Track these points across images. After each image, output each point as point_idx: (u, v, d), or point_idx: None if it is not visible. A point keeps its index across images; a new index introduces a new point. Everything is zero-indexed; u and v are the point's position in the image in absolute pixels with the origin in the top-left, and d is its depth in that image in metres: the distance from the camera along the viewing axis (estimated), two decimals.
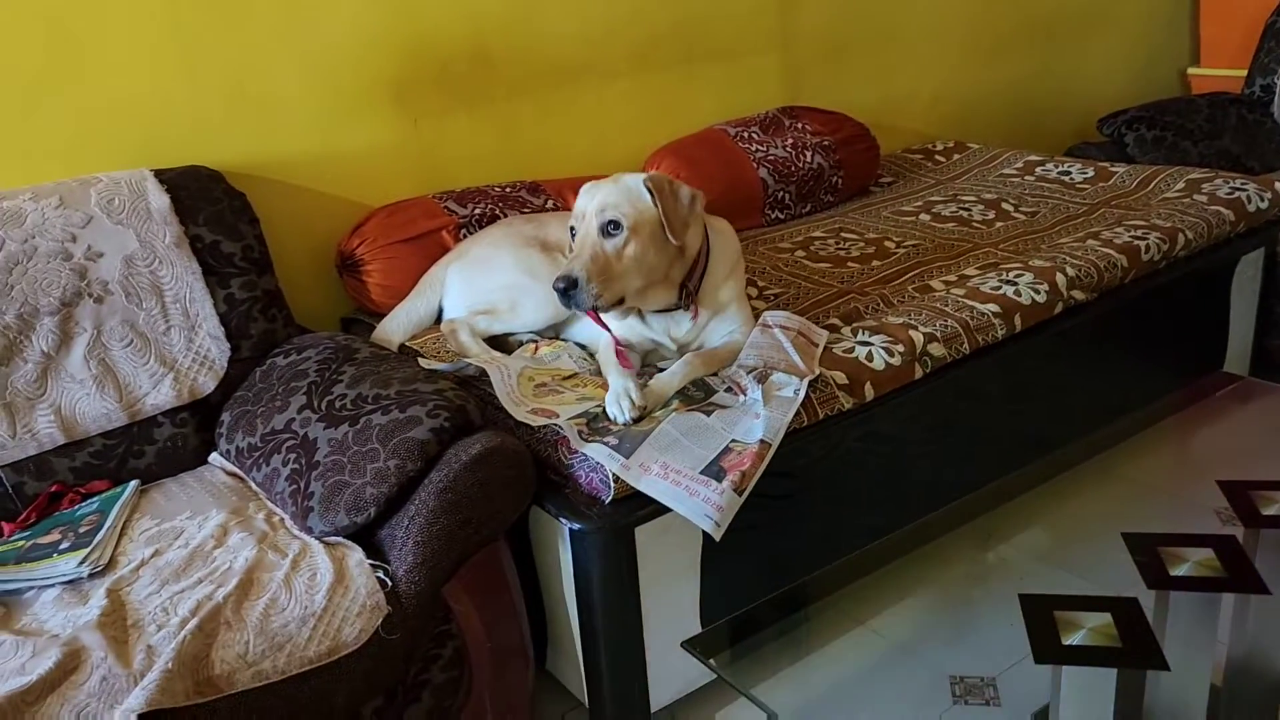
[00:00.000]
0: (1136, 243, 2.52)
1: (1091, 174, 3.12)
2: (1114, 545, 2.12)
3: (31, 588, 1.63)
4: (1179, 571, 1.46)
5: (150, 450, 2.00)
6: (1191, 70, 4.35)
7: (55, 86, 2.10)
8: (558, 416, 1.86)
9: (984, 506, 2.25)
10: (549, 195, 2.62)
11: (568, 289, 1.87)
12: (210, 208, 2.12)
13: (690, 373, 1.95)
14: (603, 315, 1.99)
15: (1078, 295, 2.35)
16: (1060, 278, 2.34)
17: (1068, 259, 2.42)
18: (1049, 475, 2.36)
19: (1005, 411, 2.33)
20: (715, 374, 1.99)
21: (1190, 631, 1.43)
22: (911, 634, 2.10)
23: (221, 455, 2.02)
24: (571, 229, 1.99)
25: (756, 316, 2.14)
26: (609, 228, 1.92)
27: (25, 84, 2.07)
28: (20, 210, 1.93)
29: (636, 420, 1.83)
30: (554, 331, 2.25)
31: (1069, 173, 3.16)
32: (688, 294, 2.03)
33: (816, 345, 2.06)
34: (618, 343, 2.00)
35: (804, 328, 2.10)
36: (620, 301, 1.96)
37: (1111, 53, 4.17)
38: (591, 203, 1.94)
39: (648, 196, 1.94)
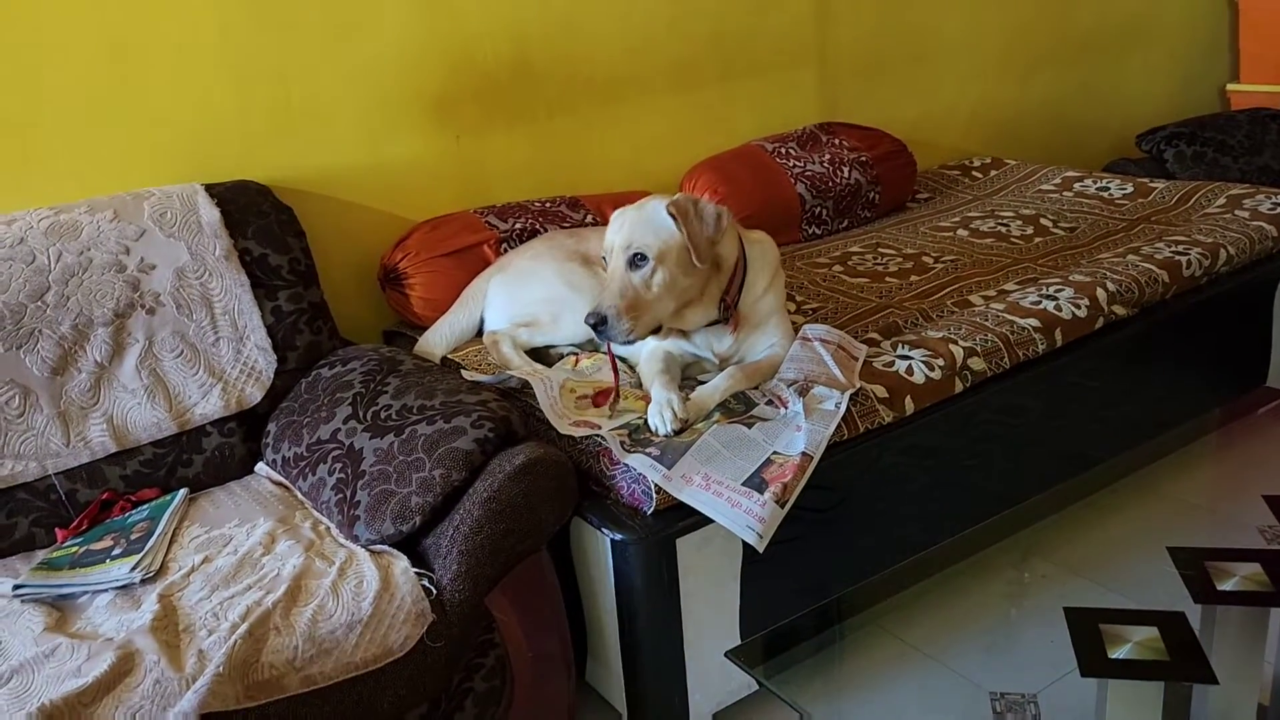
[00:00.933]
0: (1178, 258, 2.50)
1: (1131, 190, 3.11)
2: (1155, 561, 2.10)
3: (85, 592, 1.67)
4: (1226, 586, 1.45)
5: (198, 459, 2.04)
6: (1231, 86, 4.31)
7: (111, 102, 2.15)
8: (600, 428, 1.87)
9: (1024, 521, 2.24)
10: (589, 210, 2.65)
11: (598, 325, 1.89)
12: (259, 221, 2.16)
13: (732, 385, 1.96)
14: (643, 338, 1.98)
15: (1119, 310, 2.34)
16: (1101, 293, 2.33)
17: (1108, 274, 2.42)
18: (1090, 491, 2.34)
19: (1046, 426, 2.32)
20: (756, 387, 2.00)
21: (1238, 647, 1.42)
22: (951, 650, 2.08)
23: (267, 465, 2.06)
24: (604, 258, 2.00)
25: (796, 330, 2.15)
26: (635, 260, 1.92)
27: (83, 100, 2.12)
28: (77, 223, 1.98)
29: (678, 432, 1.85)
30: (595, 344, 2.27)
31: (1108, 188, 3.15)
32: (726, 307, 2.04)
33: (856, 359, 2.06)
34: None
35: (844, 341, 2.10)
36: (657, 329, 1.97)
37: (1150, 69, 4.15)
38: (618, 235, 1.95)
39: (671, 222, 1.93)
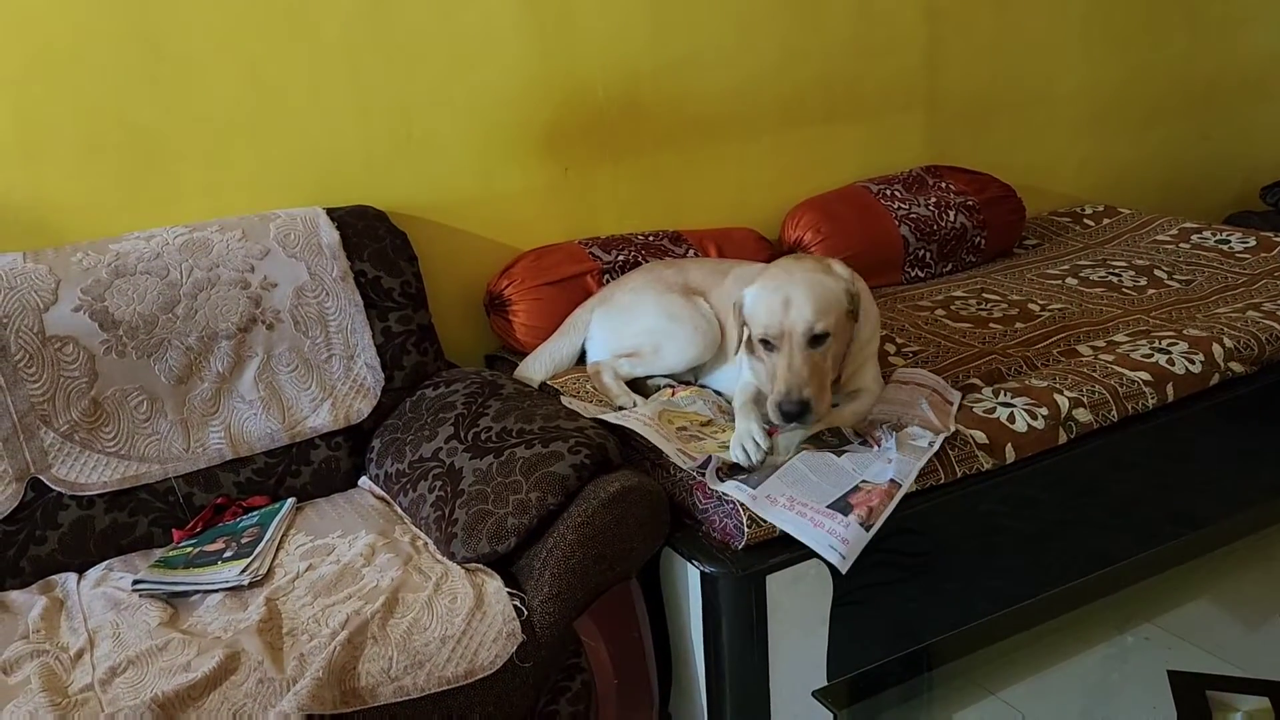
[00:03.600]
0: None
1: (1253, 243, 3.00)
2: (1267, 630, 2.01)
3: (198, 591, 1.75)
4: None
5: (306, 470, 2.12)
6: None
7: (246, 129, 2.27)
8: (701, 458, 1.89)
9: (1127, 580, 2.17)
10: (690, 244, 2.68)
11: (801, 413, 1.85)
12: (374, 245, 2.24)
13: (816, 426, 1.94)
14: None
15: (1236, 368, 2.26)
16: (1217, 349, 2.26)
17: (1225, 329, 2.34)
18: (1199, 553, 2.25)
19: (1153, 483, 2.25)
20: (844, 428, 1.99)
21: None
22: (1045, 709, 2.02)
23: (370, 479, 2.12)
24: (765, 342, 1.92)
25: (887, 373, 2.15)
26: (816, 340, 1.89)
27: (221, 126, 2.25)
28: (208, 241, 2.09)
29: (761, 462, 1.86)
30: (692, 376, 2.29)
31: (1228, 241, 3.05)
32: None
33: (951, 404, 2.04)
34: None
35: (939, 386, 2.08)
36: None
37: (1277, 119, 4.00)
38: (789, 317, 1.88)
39: (840, 296, 1.93)
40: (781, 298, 1.90)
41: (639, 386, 2.29)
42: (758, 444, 1.86)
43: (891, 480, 1.79)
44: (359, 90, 2.37)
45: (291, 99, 2.30)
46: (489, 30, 2.48)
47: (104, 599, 1.74)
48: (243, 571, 1.75)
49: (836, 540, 1.70)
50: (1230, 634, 2.00)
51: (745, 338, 2.01)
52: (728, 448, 1.94)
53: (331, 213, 2.25)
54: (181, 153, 2.22)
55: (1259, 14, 3.81)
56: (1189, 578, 2.13)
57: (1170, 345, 2.27)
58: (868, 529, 1.72)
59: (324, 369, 2.15)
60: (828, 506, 1.75)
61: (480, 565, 1.75)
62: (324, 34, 2.30)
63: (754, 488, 1.78)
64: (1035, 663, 2.09)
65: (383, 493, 2.07)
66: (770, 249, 2.83)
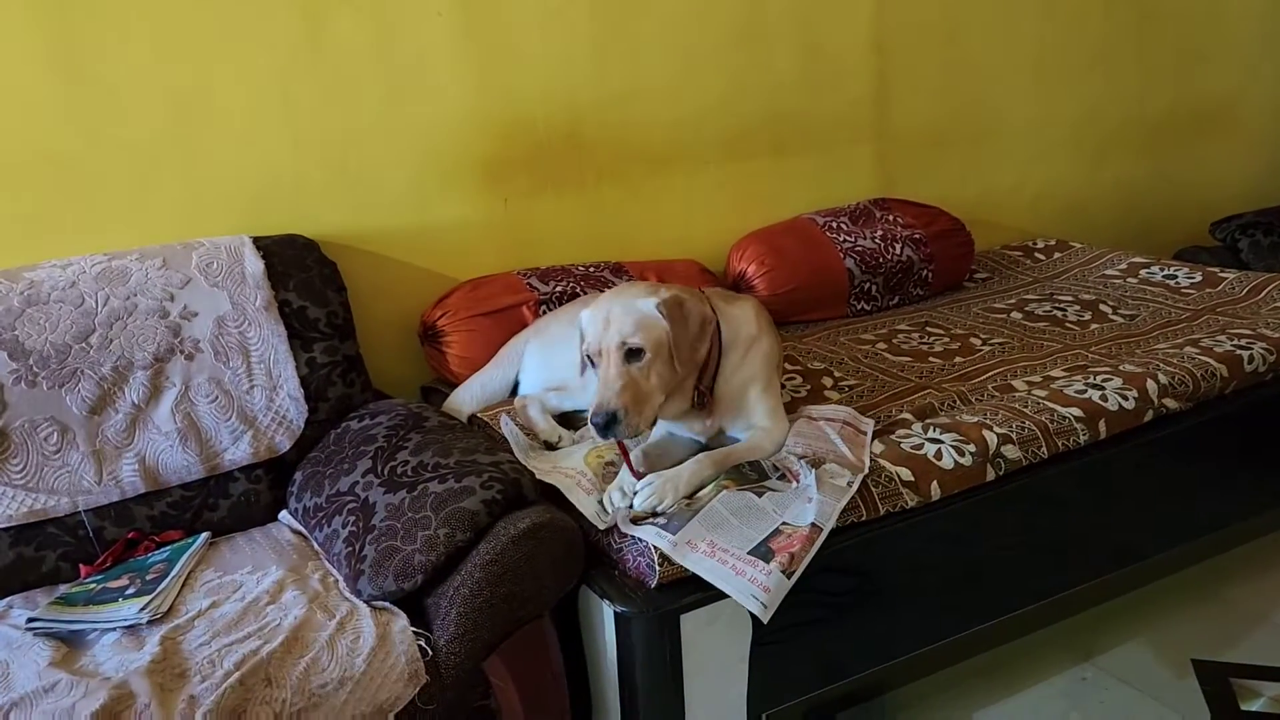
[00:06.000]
0: (1239, 352, 2.39)
1: (1199, 279, 3.00)
2: (1189, 671, 1.98)
3: (95, 629, 1.69)
4: (1251, 706, 1.36)
5: (224, 504, 2.07)
6: None
7: (173, 157, 2.24)
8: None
9: (1059, 615, 2.14)
10: (631, 276, 2.66)
11: (608, 424, 1.83)
12: (301, 275, 2.21)
13: (699, 470, 1.88)
14: (646, 431, 1.94)
15: (1170, 404, 2.24)
16: (1151, 385, 2.24)
17: (1161, 365, 2.32)
18: (1132, 587, 2.23)
19: (1086, 520, 2.21)
20: (763, 461, 1.95)
21: None
22: None
23: (290, 513, 2.08)
24: (588, 359, 1.95)
25: (791, 407, 2.12)
26: (632, 355, 1.88)
27: (144, 153, 2.22)
28: (127, 269, 2.06)
29: (630, 507, 1.83)
30: None
31: (1175, 276, 3.05)
32: (701, 394, 1.99)
33: (864, 433, 2.02)
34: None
35: (850, 417, 2.07)
36: (654, 422, 1.93)
37: (1231, 156, 4.03)
38: (609, 331, 1.89)
39: (663, 321, 1.89)
40: (603, 316, 1.91)
41: (571, 421, 2.26)
42: (623, 491, 1.85)
43: (813, 524, 1.76)
44: (292, 119, 2.35)
45: (220, 127, 2.28)
46: (427, 60, 2.46)
47: None
48: (142, 609, 1.70)
49: (758, 589, 1.66)
50: (1158, 671, 1.97)
51: (584, 356, 1.98)
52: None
53: (258, 241, 2.22)
54: (103, 180, 2.19)
55: (1211, 53, 3.84)
56: (1123, 613, 2.11)
57: (1105, 381, 2.25)
58: (789, 576, 1.68)
59: (245, 400, 2.11)
60: (748, 553, 1.71)
61: (387, 603, 1.71)
62: (255, 62, 2.28)
63: (674, 532, 1.74)
64: (962, 700, 2.06)
65: (300, 527, 2.02)
66: (714, 281, 2.81)
